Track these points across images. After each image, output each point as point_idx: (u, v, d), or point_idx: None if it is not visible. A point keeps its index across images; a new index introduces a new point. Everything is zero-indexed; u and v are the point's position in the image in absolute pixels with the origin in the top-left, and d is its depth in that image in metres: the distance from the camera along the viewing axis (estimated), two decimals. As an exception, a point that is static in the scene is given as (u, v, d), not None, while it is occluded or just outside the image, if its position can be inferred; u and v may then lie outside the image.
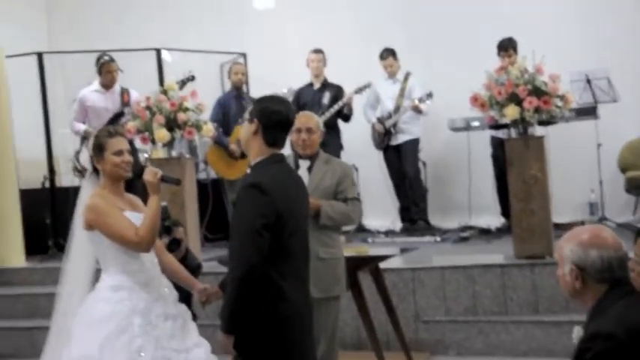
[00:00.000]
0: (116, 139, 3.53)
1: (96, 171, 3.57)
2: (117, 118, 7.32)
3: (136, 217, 3.49)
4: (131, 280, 3.47)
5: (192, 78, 7.26)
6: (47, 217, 7.90)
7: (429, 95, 7.87)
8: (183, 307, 3.65)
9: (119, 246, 3.44)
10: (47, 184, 8.14)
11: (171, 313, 3.54)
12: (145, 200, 3.58)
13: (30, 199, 7.82)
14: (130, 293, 3.44)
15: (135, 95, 7.35)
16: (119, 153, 3.51)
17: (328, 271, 4.28)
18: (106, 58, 7.49)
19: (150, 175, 3.48)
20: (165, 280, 3.64)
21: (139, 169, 3.55)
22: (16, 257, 7.46)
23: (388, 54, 8.22)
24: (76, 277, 3.63)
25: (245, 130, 3.28)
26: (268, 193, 3.07)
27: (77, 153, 3.69)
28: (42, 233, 7.81)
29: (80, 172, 3.67)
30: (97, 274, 3.62)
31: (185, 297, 3.92)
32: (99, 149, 3.52)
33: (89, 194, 3.55)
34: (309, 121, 4.37)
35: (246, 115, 3.29)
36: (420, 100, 7.90)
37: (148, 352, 3.38)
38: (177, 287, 3.76)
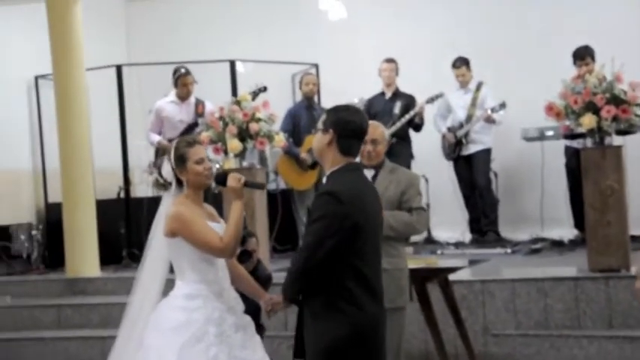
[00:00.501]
0: (196, 148, 3.59)
1: (179, 182, 3.61)
2: (190, 129, 7.44)
3: (216, 226, 3.54)
4: (207, 289, 3.51)
5: (264, 89, 7.31)
6: (122, 227, 8.07)
7: (503, 105, 7.76)
8: (248, 318, 3.67)
9: (200, 253, 3.48)
10: (122, 195, 8.35)
11: (242, 324, 3.59)
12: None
13: (105, 210, 7.98)
14: (205, 302, 3.49)
15: (209, 107, 7.45)
16: (200, 161, 3.56)
17: (392, 282, 4.23)
18: (182, 70, 7.63)
19: (234, 181, 3.50)
20: (234, 292, 3.68)
21: (221, 176, 3.57)
22: (91, 267, 7.62)
23: (462, 63, 8.15)
24: (148, 286, 3.68)
25: (319, 140, 3.29)
26: (344, 201, 3.09)
27: (159, 167, 3.71)
28: (116, 243, 7.99)
29: (163, 185, 3.69)
30: (167, 284, 3.67)
31: (254, 309, 3.95)
32: (181, 160, 3.57)
33: (169, 205, 3.60)
34: (375, 131, 4.34)
35: (319, 125, 3.30)
36: (493, 109, 7.80)
37: None
38: (247, 299, 3.79)
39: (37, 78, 8.83)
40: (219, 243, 3.44)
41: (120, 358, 3.65)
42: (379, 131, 4.39)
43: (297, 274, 3.16)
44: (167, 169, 3.62)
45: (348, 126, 3.22)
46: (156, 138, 7.53)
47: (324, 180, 3.29)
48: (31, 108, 8.95)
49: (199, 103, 7.58)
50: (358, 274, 3.14)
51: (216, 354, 3.41)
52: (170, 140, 7.32)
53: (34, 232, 8.36)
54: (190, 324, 3.43)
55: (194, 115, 7.56)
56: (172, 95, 7.67)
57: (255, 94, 7.16)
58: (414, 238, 8.26)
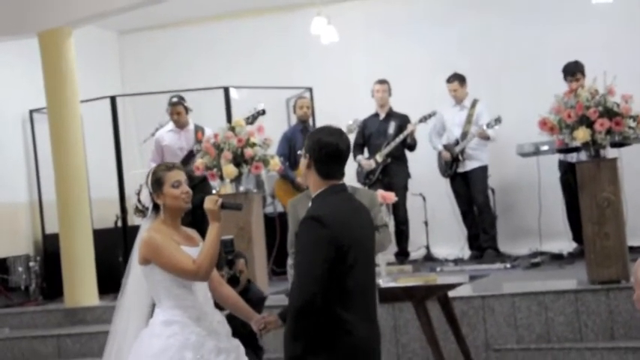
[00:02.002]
0: (173, 172, 3.56)
1: (156, 207, 3.57)
2: (191, 156, 7.39)
3: (192, 251, 3.49)
4: (183, 314, 3.46)
5: (262, 112, 7.32)
6: (119, 255, 8.04)
7: (498, 120, 7.78)
8: (236, 341, 3.62)
9: (174, 279, 3.44)
10: (119, 223, 8.35)
11: (224, 347, 3.52)
12: (204, 233, 3.57)
13: (103, 239, 7.98)
14: (181, 327, 3.44)
15: (209, 133, 7.47)
16: (177, 184, 3.53)
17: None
18: (174, 99, 7.65)
19: (210, 203, 3.48)
20: (218, 315, 3.63)
21: (199, 199, 3.54)
22: (90, 296, 7.61)
23: (455, 79, 8.18)
24: (130, 313, 3.65)
25: (301, 164, 3.30)
26: (327, 225, 3.06)
27: (137, 193, 3.69)
28: (114, 272, 7.93)
29: (141, 211, 3.66)
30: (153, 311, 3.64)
31: (251, 330, 3.92)
32: (157, 184, 3.54)
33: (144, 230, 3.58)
34: None
35: (302, 150, 3.30)
36: (489, 125, 7.82)
37: None
38: (242, 321, 3.75)
39: (31, 112, 8.86)
40: (191, 266, 3.40)
41: None
42: None
43: (298, 314, 3.05)
44: (145, 194, 3.59)
45: (322, 150, 3.18)
46: (156, 168, 7.52)
47: (309, 204, 3.27)
48: (27, 141, 8.97)
49: (199, 130, 7.58)
50: (347, 297, 3.10)
51: None
52: (172, 169, 7.33)
53: (31, 264, 8.36)
54: (166, 350, 3.39)
55: (194, 142, 7.55)
56: (171, 124, 7.69)
57: (254, 118, 7.19)
58: (413, 256, 8.29)
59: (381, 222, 4.48)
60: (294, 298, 3.06)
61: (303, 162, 3.27)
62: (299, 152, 3.51)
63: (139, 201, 3.61)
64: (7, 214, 8.43)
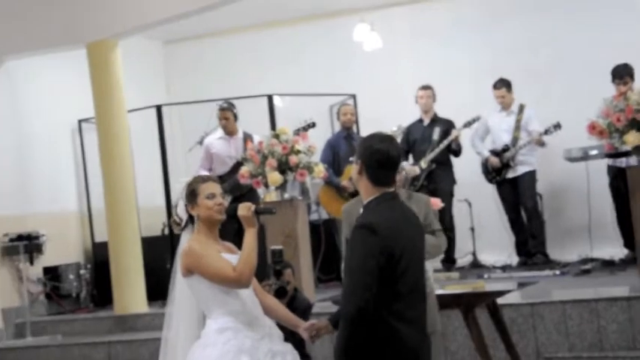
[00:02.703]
0: (208, 184, 3.60)
1: (192, 219, 3.62)
2: (239, 165, 7.32)
3: (233, 258, 3.52)
4: (235, 320, 3.48)
5: (313, 124, 7.36)
6: (167, 262, 8.10)
7: (557, 126, 7.67)
8: (289, 346, 3.63)
9: (219, 287, 3.46)
10: (166, 231, 8.43)
11: (278, 350, 3.54)
12: (239, 245, 3.59)
13: (151, 246, 8.09)
14: (235, 333, 3.45)
15: (257, 140, 7.50)
16: (211, 196, 3.56)
17: (431, 305, 4.24)
18: (224, 105, 7.72)
19: (243, 210, 3.51)
20: (268, 320, 3.65)
21: (233, 209, 3.57)
22: (139, 303, 7.71)
23: (502, 85, 8.11)
24: (180, 321, 3.67)
25: (353, 171, 3.31)
26: (379, 233, 3.06)
27: (175, 207, 3.74)
28: (163, 279, 7.98)
29: (178, 224, 3.71)
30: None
31: (298, 339, 3.92)
32: (192, 195, 3.58)
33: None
34: None
35: (354, 156, 3.31)
36: (547, 131, 7.73)
37: None
38: (288, 330, 3.75)
39: (80, 122, 9.01)
40: (232, 273, 3.42)
41: None
42: None
43: (350, 322, 3.04)
44: (181, 207, 3.64)
45: (373, 156, 3.20)
46: (206, 174, 7.59)
47: (360, 210, 3.27)
48: (76, 151, 9.12)
49: (247, 137, 7.62)
50: (397, 305, 3.10)
51: None
52: (220, 177, 7.39)
53: (82, 272, 8.50)
54: (222, 357, 3.40)
55: (243, 150, 7.59)
56: (220, 132, 7.75)
57: (304, 130, 7.23)
58: (459, 263, 8.23)
59: (437, 227, 4.50)
60: (346, 306, 3.06)
61: (354, 168, 3.28)
62: (351, 159, 3.53)
63: (176, 214, 3.67)
64: (58, 223, 8.57)
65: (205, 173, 7.41)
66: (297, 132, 7.09)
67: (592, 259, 7.63)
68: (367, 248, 3.05)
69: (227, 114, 7.63)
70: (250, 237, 3.49)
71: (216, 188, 3.60)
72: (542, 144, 7.84)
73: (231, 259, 3.50)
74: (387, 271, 3.06)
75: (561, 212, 8.39)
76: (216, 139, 7.75)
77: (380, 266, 3.04)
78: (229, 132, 7.66)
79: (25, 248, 7.87)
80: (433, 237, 4.42)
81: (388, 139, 3.32)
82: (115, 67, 7.82)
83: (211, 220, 3.57)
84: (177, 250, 3.63)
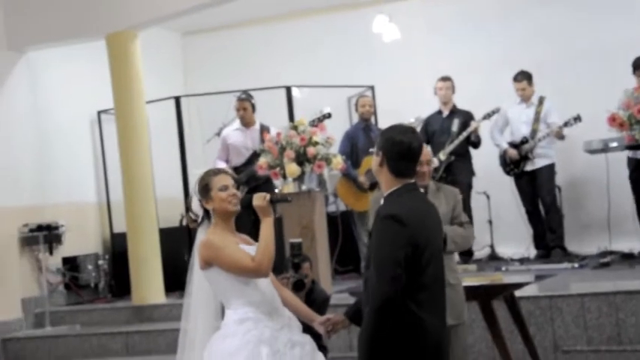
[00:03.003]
0: (220, 176, 3.59)
1: (207, 213, 3.61)
2: (255, 156, 7.37)
3: (251, 249, 3.51)
4: (255, 310, 3.48)
5: (328, 115, 7.32)
6: (185, 254, 8.13)
7: (577, 119, 7.61)
8: (308, 336, 3.63)
9: (238, 278, 3.47)
10: (184, 223, 8.45)
11: (297, 340, 3.54)
12: (256, 237, 3.58)
13: (169, 237, 8.13)
14: (255, 323, 3.46)
15: (274, 132, 7.50)
16: (224, 188, 3.55)
17: (458, 297, 4.25)
18: (242, 95, 7.72)
19: (258, 200, 3.50)
20: (287, 310, 3.65)
21: (247, 199, 3.56)
22: (157, 294, 7.76)
23: (523, 77, 8.04)
24: (199, 313, 3.67)
25: (373, 162, 3.30)
26: (405, 223, 3.06)
27: (189, 203, 3.73)
28: (180, 270, 8.02)
29: (195, 220, 3.70)
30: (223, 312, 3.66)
31: (315, 332, 3.91)
32: (205, 190, 3.57)
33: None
34: (427, 152, 4.39)
35: (375, 147, 3.30)
36: (567, 123, 7.66)
37: None
38: (304, 323, 3.74)
39: (99, 113, 9.05)
40: (251, 263, 3.41)
41: None
42: (427, 151, 4.44)
43: (377, 312, 3.04)
44: (195, 203, 3.63)
45: (394, 148, 3.19)
46: (223, 165, 7.60)
47: (380, 201, 3.26)
48: (95, 142, 9.17)
49: (264, 129, 7.63)
50: (421, 295, 3.10)
51: None
52: (236, 168, 7.41)
53: (100, 262, 8.55)
54: (242, 348, 3.40)
55: (259, 142, 7.59)
56: (237, 123, 7.75)
57: (319, 121, 7.20)
58: (477, 255, 8.20)
59: (465, 219, 4.47)
60: (371, 299, 3.06)
61: (375, 160, 3.27)
62: (370, 150, 3.49)
63: (191, 210, 3.66)
64: (77, 213, 8.62)
65: (222, 164, 7.45)
66: (312, 123, 7.07)
67: (611, 252, 7.57)
68: (395, 239, 3.05)
69: (245, 104, 7.63)
70: (267, 227, 3.49)
71: (228, 180, 3.59)
72: (561, 137, 7.78)
73: (248, 250, 3.50)
74: (413, 262, 3.06)
75: (580, 205, 8.33)
76: (232, 130, 7.75)
77: (407, 257, 3.04)
78: (246, 123, 7.66)
79: (44, 238, 7.93)
80: (461, 229, 4.40)
81: (409, 130, 3.31)
82: (134, 59, 7.85)
83: (226, 212, 3.56)
84: (195, 243, 3.63)
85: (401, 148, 3.20)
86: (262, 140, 7.51)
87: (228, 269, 3.46)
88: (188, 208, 3.68)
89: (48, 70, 8.56)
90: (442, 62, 8.75)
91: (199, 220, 3.65)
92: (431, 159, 4.48)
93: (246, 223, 4.27)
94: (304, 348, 3.54)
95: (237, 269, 3.45)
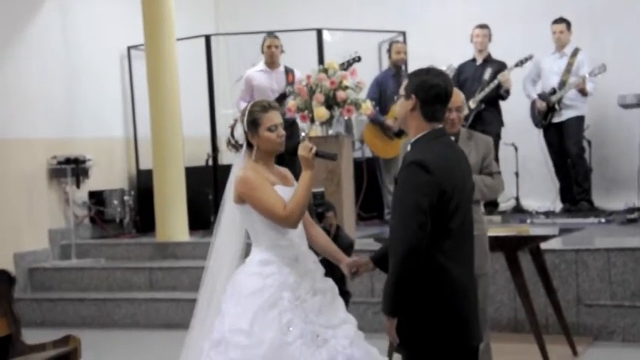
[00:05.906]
0: (270, 114, 3.49)
1: (250, 146, 3.53)
2: (283, 98, 7.34)
3: (287, 191, 3.46)
4: (280, 255, 3.46)
5: (358, 59, 7.19)
6: (210, 193, 8.18)
7: (602, 67, 7.43)
8: (330, 281, 3.59)
9: (268, 221, 3.43)
10: (210, 162, 8.48)
11: (319, 287, 3.50)
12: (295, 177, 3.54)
13: (194, 176, 8.13)
14: (279, 268, 3.43)
15: (299, 75, 7.43)
16: (274, 128, 3.47)
17: (480, 247, 4.18)
18: (275, 34, 7.64)
19: (304, 150, 3.42)
20: (313, 255, 3.61)
21: (293, 146, 3.48)
22: (181, 232, 7.81)
23: (562, 21, 7.86)
24: (225, 252, 3.63)
25: (402, 106, 3.16)
26: (431, 170, 2.98)
27: (232, 127, 3.65)
28: (205, 209, 8.12)
29: (234, 146, 3.63)
30: (247, 249, 3.63)
31: (339, 276, 3.91)
32: (253, 125, 3.48)
33: (239, 168, 3.52)
34: (458, 98, 4.25)
35: (402, 91, 3.16)
36: (592, 73, 7.51)
37: (297, 326, 3.35)
38: (331, 265, 3.71)
39: (129, 48, 9.00)
40: (283, 211, 3.36)
41: (201, 324, 3.62)
42: (461, 98, 4.31)
43: (402, 259, 2.95)
44: (239, 132, 3.53)
45: (430, 90, 3.07)
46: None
47: (408, 148, 3.18)
48: (124, 78, 9.15)
49: (289, 72, 7.55)
50: (447, 244, 3.04)
51: (290, 319, 3.35)
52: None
53: (126, 198, 8.61)
54: (264, 290, 3.38)
55: (285, 84, 7.53)
56: (262, 64, 7.67)
57: (349, 64, 7.10)
58: (502, 207, 8.15)
59: (496, 169, 4.40)
60: (398, 244, 2.99)
61: (404, 104, 3.13)
62: (396, 97, 3.36)
63: (233, 136, 3.57)
64: (103, 148, 8.66)
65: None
66: (342, 66, 6.98)
67: (638, 209, 7.50)
68: (420, 186, 2.97)
69: (277, 42, 7.55)
70: (307, 178, 3.41)
71: (278, 118, 3.49)
72: (584, 92, 7.62)
73: (284, 192, 3.44)
74: (439, 210, 2.99)
75: (610, 160, 8.21)
76: (256, 71, 7.66)
77: (432, 204, 2.97)
78: (272, 62, 7.57)
79: (72, 171, 7.99)
80: (489, 178, 4.33)
81: (442, 73, 3.19)
82: (166, -5, 7.78)
83: (271, 151, 3.52)
84: (230, 175, 3.58)
85: (438, 91, 3.08)
86: (287, 83, 7.47)
87: (260, 211, 3.42)
88: (231, 132, 3.61)
89: (79, 6, 8.50)
90: (476, 9, 8.59)
91: (239, 149, 3.56)
92: (462, 105, 4.35)
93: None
94: (325, 296, 3.51)
95: (268, 213, 3.40)
